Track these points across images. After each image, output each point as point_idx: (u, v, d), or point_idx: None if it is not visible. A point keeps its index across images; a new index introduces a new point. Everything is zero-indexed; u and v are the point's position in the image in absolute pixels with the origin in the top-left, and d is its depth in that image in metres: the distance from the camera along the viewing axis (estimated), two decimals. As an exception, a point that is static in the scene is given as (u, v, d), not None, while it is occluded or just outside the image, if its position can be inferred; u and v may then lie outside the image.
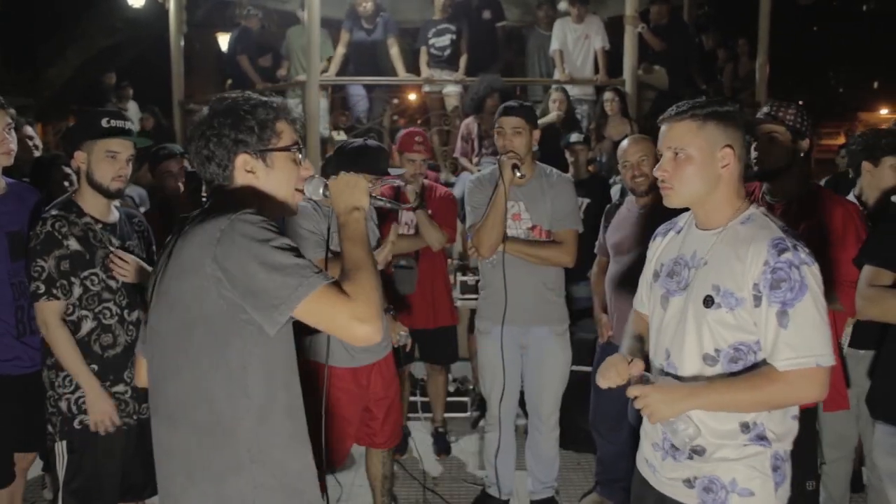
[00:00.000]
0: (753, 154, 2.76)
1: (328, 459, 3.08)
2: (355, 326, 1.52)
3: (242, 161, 1.67)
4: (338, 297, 1.52)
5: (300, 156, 1.75)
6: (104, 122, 2.57)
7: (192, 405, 1.59)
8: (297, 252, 1.55)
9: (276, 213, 1.73)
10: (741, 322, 1.77)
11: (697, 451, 1.83)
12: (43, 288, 2.51)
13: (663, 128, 1.89)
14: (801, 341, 1.71)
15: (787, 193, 2.77)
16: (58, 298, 2.52)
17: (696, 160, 1.82)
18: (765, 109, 2.83)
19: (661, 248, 2.04)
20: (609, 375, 1.92)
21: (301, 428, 1.72)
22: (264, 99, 1.73)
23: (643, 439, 2.03)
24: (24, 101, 10.77)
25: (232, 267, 1.50)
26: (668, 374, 1.90)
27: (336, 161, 3.11)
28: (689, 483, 1.86)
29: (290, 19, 7.71)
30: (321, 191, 1.80)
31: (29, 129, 4.29)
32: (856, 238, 2.70)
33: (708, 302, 1.80)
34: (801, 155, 2.81)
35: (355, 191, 1.72)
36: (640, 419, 1.99)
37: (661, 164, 1.88)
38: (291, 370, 1.71)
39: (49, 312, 2.52)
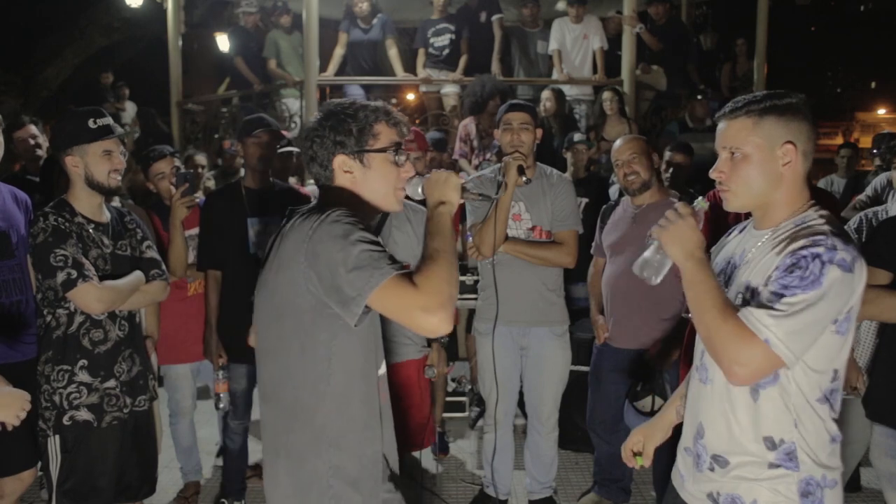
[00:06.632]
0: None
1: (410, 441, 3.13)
2: (420, 317, 1.57)
3: (340, 161, 1.77)
4: (406, 287, 1.57)
5: (401, 157, 1.81)
6: (91, 124, 2.55)
7: (280, 386, 1.75)
8: (377, 245, 1.62)
9: (372, 212, 1.82)
10: None
11: (719, 463, 1.72)
12: (75, 273, 2.46)
13: (719, 126, 1.75)
14: (775, 319, 1.51)
15: None
16: (91, 279, 2.48)
17: (754, 159, 1.67)
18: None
19: (723, 246, 1.91)
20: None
21: (375, 416, 1.81)
22: (366, 103, 1.82)
23: (678, 451, 1.91)
24: (16, 101, 10.76)
25: (319, 264, 1.61)
26: (699, 372, 1.81)
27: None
28: (712, 498, 1.73)
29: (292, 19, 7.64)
30: (419, 189, 1.84)
31: (33, 129, 4.25)
32: None
33: (737, 300, 1.68)
34: None
35: (445, 186, 1.79)
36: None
37: (718, 164, 1.73)
38: (373, 361, 1.80)
39: (89, 297, 2.47)
